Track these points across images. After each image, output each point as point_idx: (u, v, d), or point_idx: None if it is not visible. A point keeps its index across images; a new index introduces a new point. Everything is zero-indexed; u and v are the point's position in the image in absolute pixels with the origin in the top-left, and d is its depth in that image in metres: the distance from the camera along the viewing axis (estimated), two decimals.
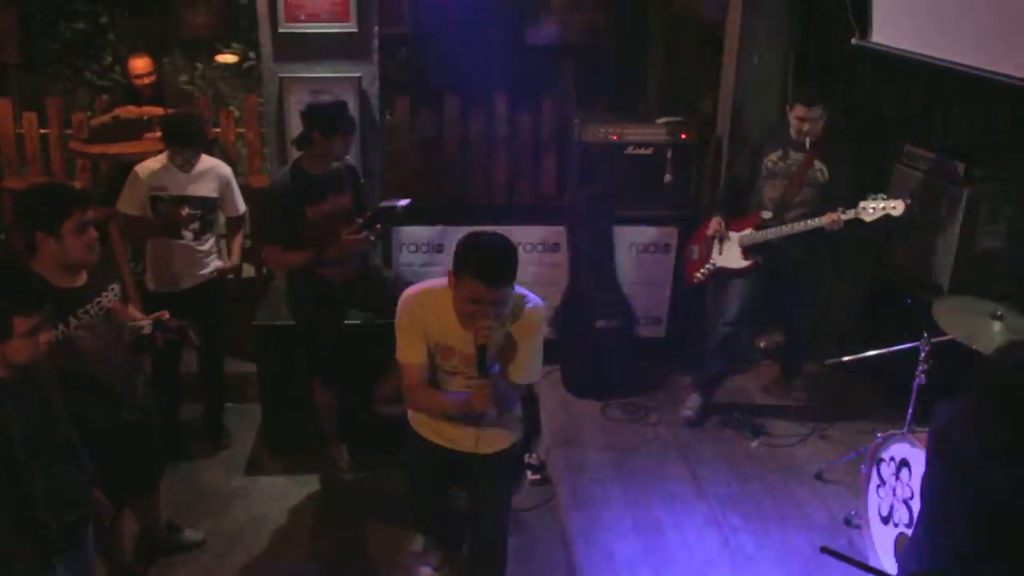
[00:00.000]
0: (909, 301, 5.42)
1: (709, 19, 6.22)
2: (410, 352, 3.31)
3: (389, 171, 6.04)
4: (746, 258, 5.17)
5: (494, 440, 3.53)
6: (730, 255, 5.23)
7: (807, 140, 4.91)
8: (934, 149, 5.44)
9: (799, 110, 4.88)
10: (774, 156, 5.07)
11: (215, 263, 5.03)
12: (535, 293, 3.38)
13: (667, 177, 5.69)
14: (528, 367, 3.34)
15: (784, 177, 5.04)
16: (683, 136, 5.68)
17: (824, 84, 5.49)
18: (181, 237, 4.84)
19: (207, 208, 4.92)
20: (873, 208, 4.67)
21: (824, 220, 4.81)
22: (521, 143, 6.54)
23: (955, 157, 5.28)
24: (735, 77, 5.70)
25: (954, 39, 4.29)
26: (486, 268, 3.02)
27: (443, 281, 3.22)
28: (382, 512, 4.77)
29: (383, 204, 4.83)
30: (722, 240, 5.24)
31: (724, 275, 5.31)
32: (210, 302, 5.02)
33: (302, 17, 5.11)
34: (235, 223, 5.22)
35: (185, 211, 4.79)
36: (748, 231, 5.14)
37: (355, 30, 5.22)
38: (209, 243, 5.00)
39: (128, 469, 3.75)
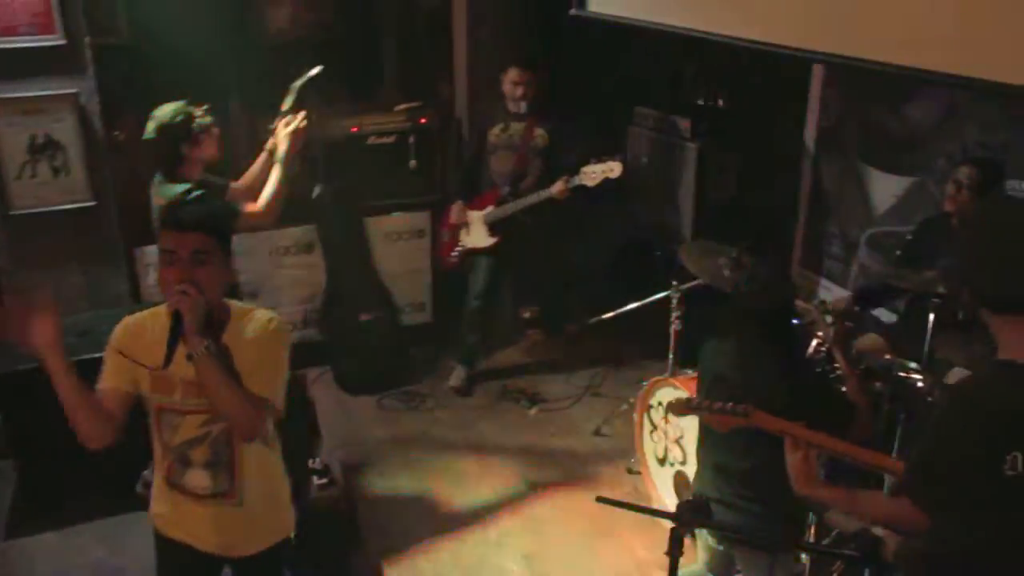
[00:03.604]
0: (658, 253, 5.71)
1: (434, 2, 6.24)
2: (107, 377, 2.80)
3: (123, 193, 5.70)
4: (492, 235, 5.28)
5: (249, 536, 2.91)
6: (477, 235, 5.34)
7: (523, 105, 5.06)
8: (661, 109, 5.75)
9: (512, 73, 5.03)
10: (496, 130, 5.22)
11: None
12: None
13: (412, 163, 5.68)
14: (265, 377, 2.73)
15: (508, 149, 5.19)
16: (423, 121, 5.68)
17: (550, 53, 5.65)
18: None
19: None
20: (594, 172, 4.82)
21: (553, 190, 4.96)
22: (263, 147, 6.34)
23: (682, 115, 5.60)
24: (466, 57, 5.77)
25: (668, 3, 4.47)
26: (172, 213, 2.74)
27: (149, 312, 2.82)
28: None
29: (296, 83, 4.44)
30: (467, 222, 5.34)
31: (475, 254, 5.42)
32: None
33: None
34: None
35: None
36: (489, 208, 5.26)
37: (63, 42, 4.87)
38: None
39: None
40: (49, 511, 4.76)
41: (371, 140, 5.63)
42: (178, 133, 4.06)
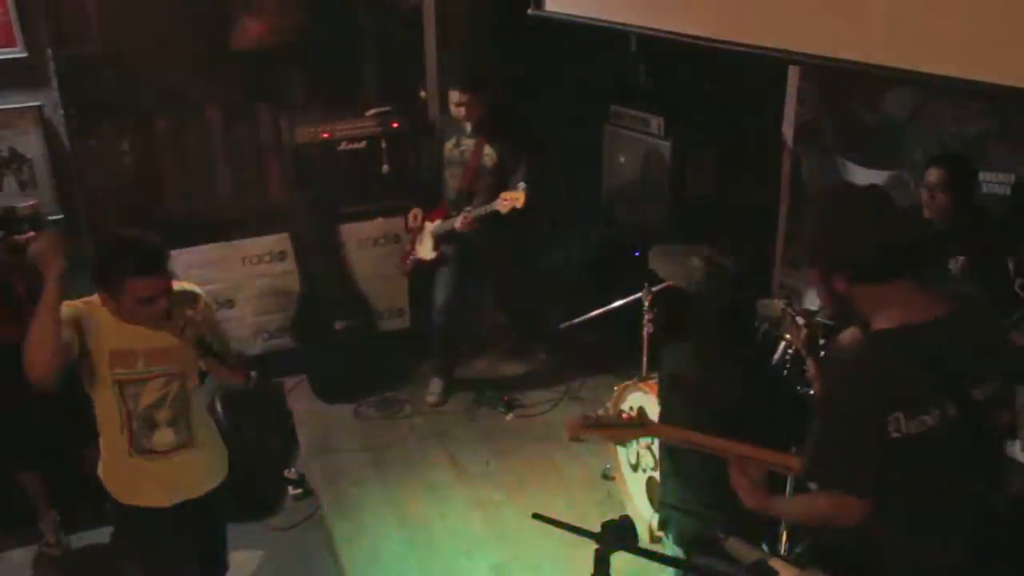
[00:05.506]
0: (637, 254, 5.63)
1: (410, 4, 6.19)
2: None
3: (96, 203, 5.65)
4: (435, 249, 5.27)
5: (207, 475, 3.23)
6: (425, 246, 5.33)
7: (467, 125, 5.03)
8: (636, 107, 5.67)
9: (452, 95, 4.99)
10: (449, 144, 5.17)
11: None
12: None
13: (384, 168, 5.62)
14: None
15: (459, 165, 5.14)
16: (394, 125, 5.62)
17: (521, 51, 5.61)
18: None
19: None
20: (506, 200, 4.79)
21: (456, 223, 5.02)
22: (241, 153, 6.32)
23: (655, 112, 5.52)
24: (437, 59, 5.71)
25: (624, 1, 4.38)
26: (146, 260, 2.81)
27: (85, 300, 2.94)
28: None
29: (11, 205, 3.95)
30: (421, 232, 5.33)
31: (422, 266, 5.39)
32: None
33: None
34: None
35: None
36: (438, 222, 5.25)
37: (25, 55, 4.83)
38: None
39: None
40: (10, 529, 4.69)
41: (342, 146, 5.56)
42: None
